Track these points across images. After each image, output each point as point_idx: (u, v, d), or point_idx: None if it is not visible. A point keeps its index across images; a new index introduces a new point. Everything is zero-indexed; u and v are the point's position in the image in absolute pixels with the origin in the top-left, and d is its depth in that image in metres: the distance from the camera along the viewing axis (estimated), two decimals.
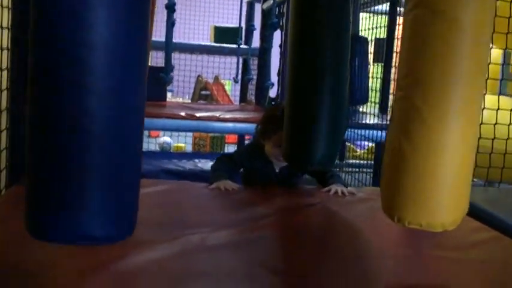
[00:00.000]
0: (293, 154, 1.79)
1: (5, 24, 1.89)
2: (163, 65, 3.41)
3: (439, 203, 1.00)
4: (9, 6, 1.88)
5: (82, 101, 0.93)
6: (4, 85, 1.90)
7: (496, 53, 3.49)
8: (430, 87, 0.97)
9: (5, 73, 1.90)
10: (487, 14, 1.00)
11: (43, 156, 0.95)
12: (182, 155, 4.24)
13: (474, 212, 1.76)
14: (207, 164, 3.53)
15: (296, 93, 1.77)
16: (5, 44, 1.89)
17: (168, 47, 2.88)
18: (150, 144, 5.69)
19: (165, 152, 5.35)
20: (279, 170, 2.11)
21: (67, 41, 0.91)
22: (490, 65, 2.68)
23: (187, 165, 3.57)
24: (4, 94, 1.90)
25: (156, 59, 5.60)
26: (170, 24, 2.88)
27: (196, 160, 3.69)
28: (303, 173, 2.16)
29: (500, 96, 2.89)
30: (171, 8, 2.84)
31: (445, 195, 1.00)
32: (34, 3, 0.94)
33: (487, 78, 2.38)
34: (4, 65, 1.89)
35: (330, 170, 2.23)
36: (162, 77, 2.81)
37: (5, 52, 1.89)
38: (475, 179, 3.12)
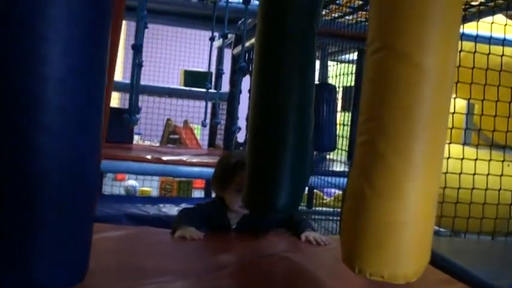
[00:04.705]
0: (254, 200, 1.74)
1: None
2: None
3: (402, 253, 0.96)
4: None
5: (32, 137, 0.90)
6: None
7: (461, 103, 3.56)
8: (393, 132, 0.95)
9: None
10: (450, 60, 0.99)
11: None
12: (147, 199, 4.13)
13: (440, 263, 1.73)
14: (172, 209, 3.42)
15: (258, 136, 1.73)
16: None
17: (134, 87, 2.85)
18: (114, 187, 5.56)
19: (130, 196, 5.22)
20: (235, 225, 2.04)
21: (19, 72, 0.89)
22: (454, 115, 2.74)
23: (152, 210, 3.46)
24: None
25: (124, 100, 5.56)
26: (137, 64, 2.86)
27: (161, 205, 3.58)
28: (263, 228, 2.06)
29: (464, 147, 2.92)
30: (137, 48, 2.84)
31: (408, 244, 0.96)
32: None
33: (452, 128, 2.40)
34: None
35: (297, 216, 2.17)
36: (125, 118, 2.76)
37: None
38: (441, 229, 3.12)
